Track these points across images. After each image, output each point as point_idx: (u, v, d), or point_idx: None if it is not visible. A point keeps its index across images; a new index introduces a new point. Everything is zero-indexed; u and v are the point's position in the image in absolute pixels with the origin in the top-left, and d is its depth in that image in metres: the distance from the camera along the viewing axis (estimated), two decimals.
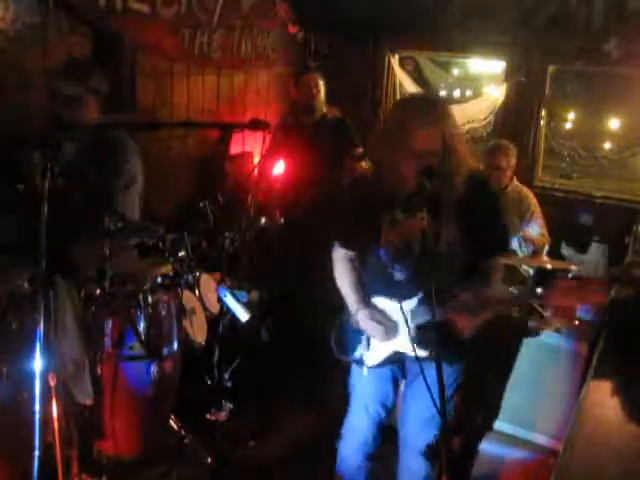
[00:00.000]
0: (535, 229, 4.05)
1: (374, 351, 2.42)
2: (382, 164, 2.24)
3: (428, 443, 2.41)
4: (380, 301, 2.39)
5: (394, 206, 2.26)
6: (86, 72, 2.80)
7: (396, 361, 2.42)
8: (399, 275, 2.32)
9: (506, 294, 2.34)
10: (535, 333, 3.12)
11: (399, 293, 2.30)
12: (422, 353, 2.24)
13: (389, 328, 2.33)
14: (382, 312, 2.37)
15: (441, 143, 2.12)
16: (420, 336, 2.26)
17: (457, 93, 6.95)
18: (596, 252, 4.44)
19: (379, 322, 2.33)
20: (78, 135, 2.75)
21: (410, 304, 2.28)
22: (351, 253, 2.48)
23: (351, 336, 2.45)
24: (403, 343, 2.34)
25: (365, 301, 2.40)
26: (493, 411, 3.13)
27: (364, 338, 2.43)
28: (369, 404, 2.53)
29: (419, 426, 2.44)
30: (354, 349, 2.46)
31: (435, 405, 2.05)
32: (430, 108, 2.17)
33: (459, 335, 2.20)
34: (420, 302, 2.27)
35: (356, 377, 2.56)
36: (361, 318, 2.37)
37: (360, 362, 2.46)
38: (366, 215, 2.31)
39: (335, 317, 2.53)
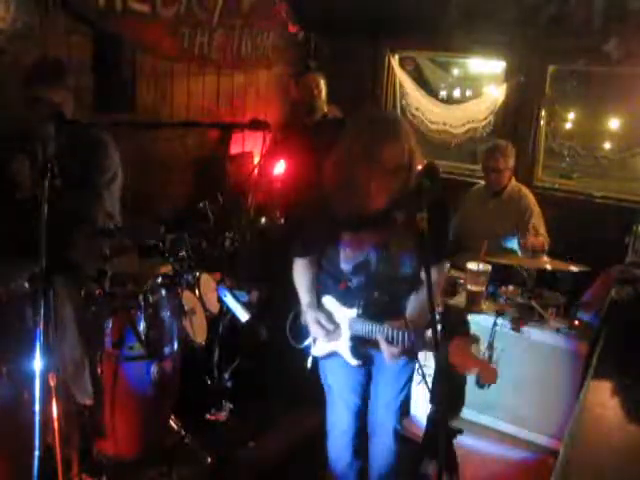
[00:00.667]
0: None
1: (318, 345, 2.59)
2: (350, 183, 2.26)
3: (395, 425, 2.60)
4: (330, 302, 2.52)
5: (356, 221, 2.34)
6: (61, 72, 2.77)
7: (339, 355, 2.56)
8: (351, 284, 2.45)
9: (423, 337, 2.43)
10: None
11: (347, 300, 2.45)
12: (354, 362, 2.48)
13: (331, 332, 2.48)
14: (329, 315, 2.51)
15: (407, 157, 2.19)
16: (355, 345, 2.47)
17: (457, 93, 6.94)
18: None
19: (322, 326, 2.48)
20: (60, 134, 2.73)
21: (352, 313, 2.44)
22: (310, 258, 2.57)
23: (302, 327, 2.62)
24: (341, 347, 2.50)
25: (314, 304, 2.54)
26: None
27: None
28: (346, 396, 2.61)
29: (388, 414, 2.60)
30: (304, 339, 2.64)
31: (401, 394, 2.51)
32: (396, 125, 2.25)
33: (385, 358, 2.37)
34: (358, 315, 2.42)
35: (329, 374, 2.64)
36: (308, 319, 2.53)
37: (307, 351, 2.63)
38: (327, 228, 2.40)
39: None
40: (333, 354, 2.55)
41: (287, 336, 2.70)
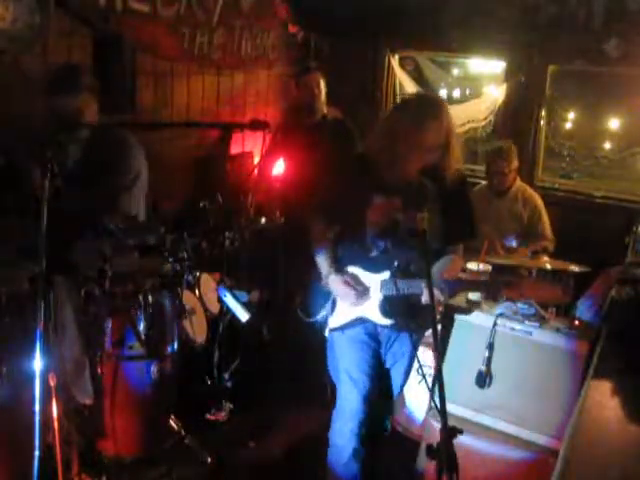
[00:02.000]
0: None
1: (337, 315, 2.63)
2: (388, 155, 2.39)
3: None
4: (354, 270, 2.57)
5: (386, 191, 2.44)
6: (77, 77, 2.77)
7: (358, 325, 2.60)
8: (377, 251, 2.51)
9: (477, 278, 2.57)
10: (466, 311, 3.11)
11: (373, 266, 2.51)
12: (386, 321, 2.53)
13: (359, 293, 2.52)
14: (355, 278, 2.55)
15: (444, 138, 2.34)
16: (386, 306, 2.51)
17: (457, 93, 6.94)
18: None
19: (350, 286, 2.51)
20: (82, 136, 2.75)
21: (382, 276, 2.49)
22: (330, 227, 2.63)
23: (317, 300, 2.64)
24: (370, 310, 2.54)
25: (337, 268, 2.58)
26: None
27: (329, 303, 2.62)
28: (356, 377, 2.64)
29: (395, 392, 2.80)
30: (318, 312, 2.65)
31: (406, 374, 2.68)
32: (439, 105, 2.40)
33: (420, 303, 2.42)
34: (392, 275, 2.47)
35: (339, 354, 2.67)
36: (333, 282, 2.55)
37: (323, 324, 2.66)
38: (354, 195, 2.47)
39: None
40: (353, 323, 2.58)
41: (294, 318, 2.72)
